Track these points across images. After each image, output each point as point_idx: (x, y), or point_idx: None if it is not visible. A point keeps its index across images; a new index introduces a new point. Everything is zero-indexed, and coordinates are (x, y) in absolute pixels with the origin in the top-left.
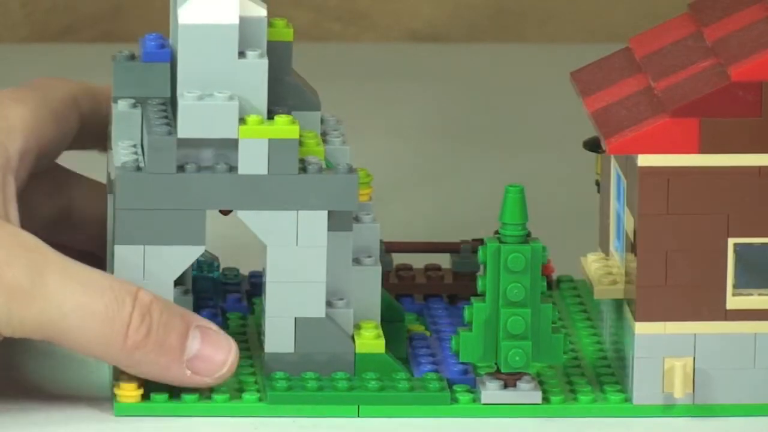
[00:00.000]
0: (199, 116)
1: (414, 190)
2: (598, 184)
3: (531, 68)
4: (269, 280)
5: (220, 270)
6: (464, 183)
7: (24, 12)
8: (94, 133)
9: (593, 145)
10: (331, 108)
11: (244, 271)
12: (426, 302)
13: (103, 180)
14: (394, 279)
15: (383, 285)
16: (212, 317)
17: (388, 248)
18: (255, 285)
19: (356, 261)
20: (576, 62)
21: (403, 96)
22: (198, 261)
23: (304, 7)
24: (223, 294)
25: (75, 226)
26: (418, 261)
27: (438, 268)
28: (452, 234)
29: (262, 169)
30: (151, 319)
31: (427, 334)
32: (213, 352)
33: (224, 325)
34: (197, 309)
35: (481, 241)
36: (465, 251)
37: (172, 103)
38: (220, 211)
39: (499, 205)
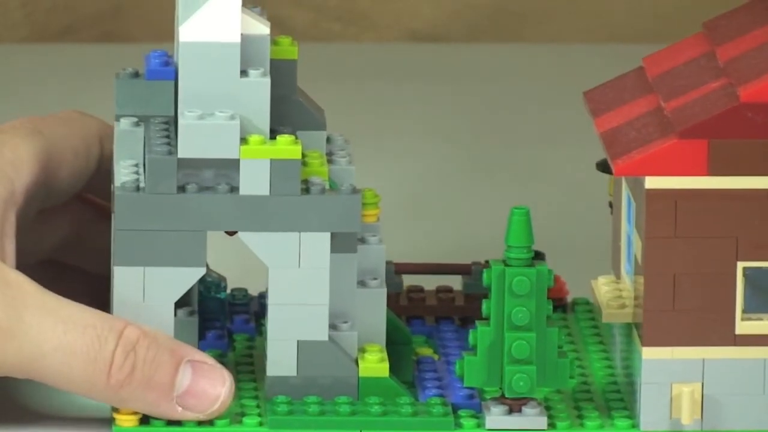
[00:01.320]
0: (200, 136)
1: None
2: (611, 205)
3: (531, 68)
4: (271, 302)
5: (228, 291)
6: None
7: (24, 12)
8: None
9: (606, 166)
10: (330, 108)
11: (254, 291)
12: (437, 325)
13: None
14: (404, 301)
15: (393, 307)
16: (218, 339)
17: (399, 269)
18: (264, 306)
19: (361, 283)
20: (576, 62)
21: (403, 96)
22: (205, 282)
23: (304, 7)
24: (231, 315)
25: (86, 249)
26: (430, 282)
27: (449, 290)
28: (464, 255)
29: (263, 189)
30: (136, 356)
31: (436, 357)
32: (205, 387)
33: (230, 347)
34: (203, 330)
35: None
36: (476, 273)
37: (176, 121)
38: (226, 232)
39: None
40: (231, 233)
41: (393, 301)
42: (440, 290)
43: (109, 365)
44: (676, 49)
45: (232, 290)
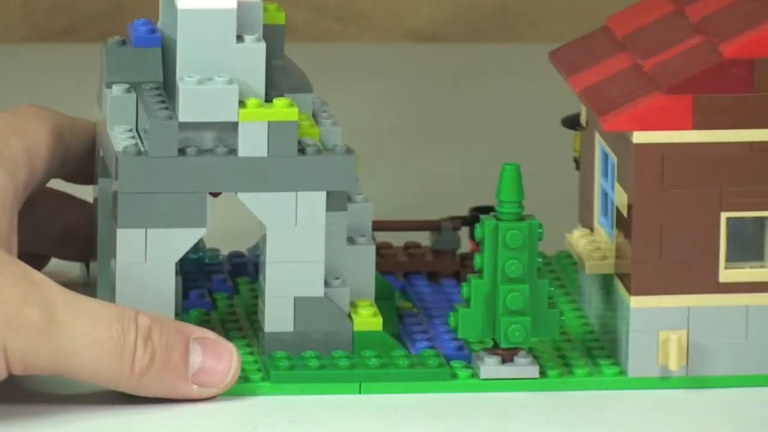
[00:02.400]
0: (200, 100)
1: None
2: (576, 161)
3: (531, 68)
4: (269, 260)
5: (204, 251)
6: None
7: (24, 12)
8: (72, 166)
9: (572, 123)
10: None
11: (224, 251)
12: (407, 280)
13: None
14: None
15: None
16: (200, 299)
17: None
18: (237, 265)
19: (350, 240)
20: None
21: (403, 96)
22: None
23: (304, 6)
24: (208, 275)
25: (45, 235)
26: (398, 239)
27: (418, 246)
28: (423, 212)
29: (261, 151)
30: (153, 342)
31: (415, 311)
32: (215, 362)
33: (213, 306)
34: (186, 290)
35: (461, 219)
36: (446, 229)
37: (165, 87)
38: (210, 193)
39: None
40: (215, 194)
41: None
42: (409, 246)
43: (133, 354)
44: (639, 9)
45: (207, 251)
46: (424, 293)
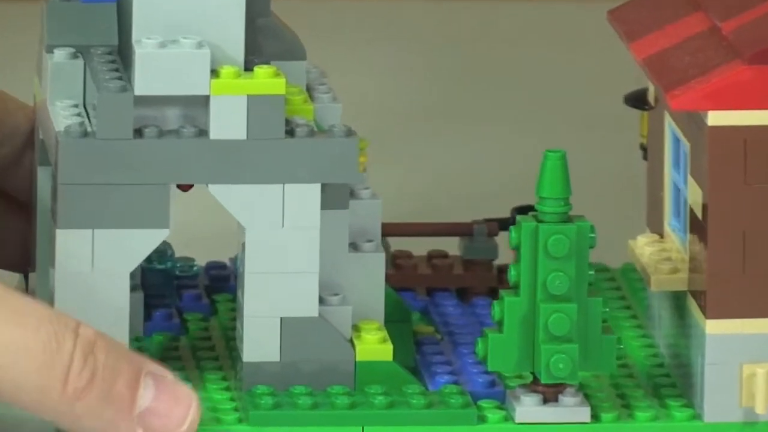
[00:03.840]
0: (162, 68)
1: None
2: (644, 148)
3: (583, 31)
4: (248, 271)
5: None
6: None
7: None
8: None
9: (638, 100)
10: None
11: (201, 261)
12: (431, 297)
13: None
14: (390, 269)
15: None
16: (167, 320)
17: (383, 231)
18: (216, 279)
19: (353, 246)
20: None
21: (420, 64)
22: None
23: None
24: (178, 290)
25: None
26: (420, 247)
27: (445, 255)
28: (449, 213)
29: (239, 133)
30: (96, 360)
31: (437, 336)
32: (170, 405)
33: (182, 329)
34: (149, 309)
35: (498, 222)
36: (479, 234)
37: (121, 52)
38: (178, 186)
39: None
40: (184, 188)
41: None
42: (434, 256)
43: (67, 369)
44: None
45: (177, 260)
46: (451, 315)
